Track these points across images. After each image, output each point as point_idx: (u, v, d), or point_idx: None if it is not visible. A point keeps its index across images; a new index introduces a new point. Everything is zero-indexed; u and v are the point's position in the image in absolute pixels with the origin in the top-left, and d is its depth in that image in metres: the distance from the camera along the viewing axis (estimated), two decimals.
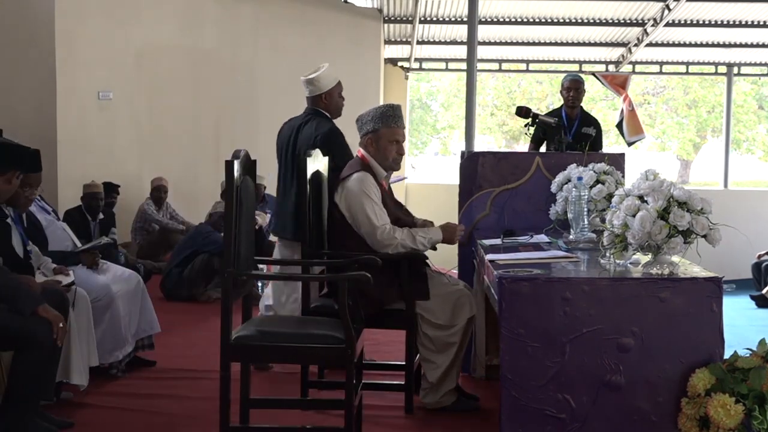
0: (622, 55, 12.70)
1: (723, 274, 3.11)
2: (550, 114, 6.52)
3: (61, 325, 3.63)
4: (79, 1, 8.54)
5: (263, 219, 8.04)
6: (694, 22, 11.31)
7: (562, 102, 7.00)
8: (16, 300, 3.60)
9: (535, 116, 5.21)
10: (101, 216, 7.83)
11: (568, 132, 6.44)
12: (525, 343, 3.06)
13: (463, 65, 10.17)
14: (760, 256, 11.07)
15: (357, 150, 4.37)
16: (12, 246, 4.02)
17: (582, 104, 7.03)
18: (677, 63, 13.40)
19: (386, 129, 4.25)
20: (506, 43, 12.35)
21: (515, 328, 3.06)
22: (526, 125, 5.28)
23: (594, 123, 6.89)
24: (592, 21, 11.42)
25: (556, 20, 11.45)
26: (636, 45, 12.05)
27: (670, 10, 10.70)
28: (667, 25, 11.21)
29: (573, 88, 6.78)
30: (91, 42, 8.62)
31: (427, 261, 4.29)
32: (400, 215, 4.34)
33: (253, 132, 10.14)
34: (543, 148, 6.50)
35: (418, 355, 4.26)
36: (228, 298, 3.51)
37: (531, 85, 21.70)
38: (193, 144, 9.78)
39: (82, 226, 7.31)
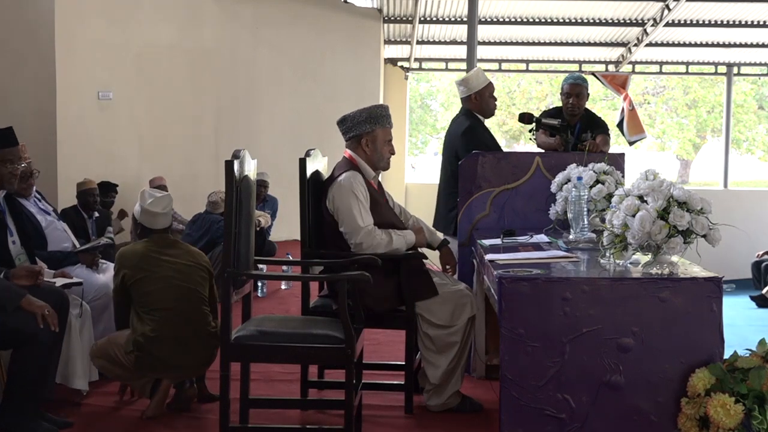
0: (622, 55, 12.71)
1: (723, 274, 3.10)
2: (550, 112, 6.18)
3: (47, 312, 3.59)
4: (79, 1, 8.54)
5: (266, 220, 8.03)
6: (694, 22, 11.33)
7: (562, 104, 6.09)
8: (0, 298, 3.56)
9: (539, 121, 5.19)
10: (96, 214, 7.81)
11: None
12: (525, 343, 3.06)
13: (463, 65, 10.20)
14: (759, 256, 11.10)
15: (344, 151, 4.34)
16: (7, 244, 4.01)
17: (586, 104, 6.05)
18: (677, 63, 13.42)
19: (381, 129, 4.23)
20: (506, 43, 12.37)
21: (515, 328, 3.06)
22: (530, 131, 5.25)
23: (600, 125, 5.90)
24: (592, 21, 11.44)
25: (556, 20, 11.45)
26: (636, 45, 12.06)
27: (670, 10, 10.71)
28: (667, 25, 11.22)
29: (573, 93, 5.70)
30: (91, 42, 8.62)
31: (425, 260, 4.27)
32: (394, 220, 4.30)
33: (254, 132, 10.15)
34: None
35: (418, 354, 4.26)
36: (228, 298, 3.52)
37: (531, 85, 21.70)
38: (193, 144, 9.78)
39: (78, 224, 7.29)
